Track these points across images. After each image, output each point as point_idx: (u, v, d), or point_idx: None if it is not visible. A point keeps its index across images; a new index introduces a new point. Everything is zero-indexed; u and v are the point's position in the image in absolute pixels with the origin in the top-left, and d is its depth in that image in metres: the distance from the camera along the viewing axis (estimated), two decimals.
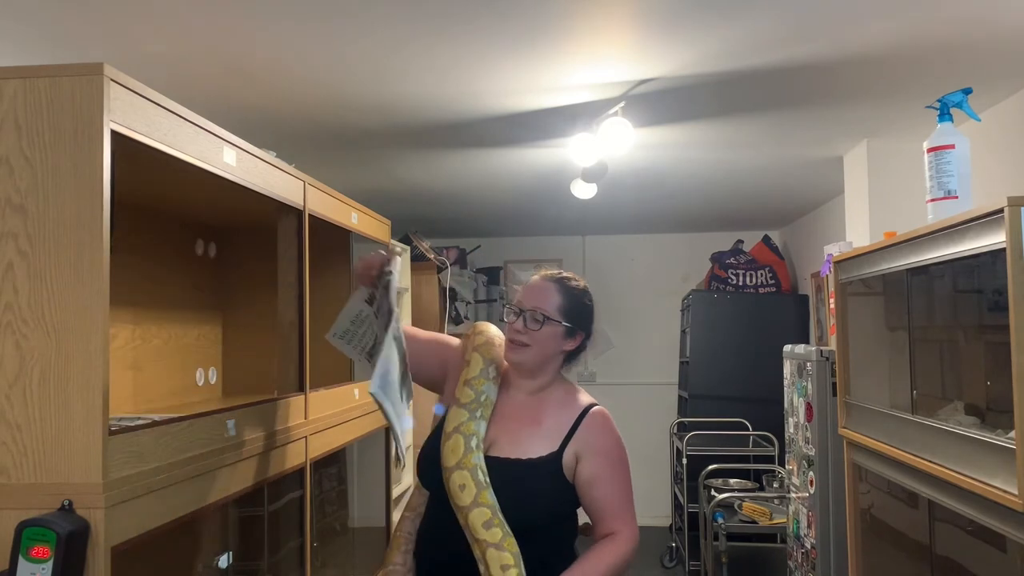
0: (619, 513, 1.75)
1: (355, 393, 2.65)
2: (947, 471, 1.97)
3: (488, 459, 1.74)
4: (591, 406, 1.81)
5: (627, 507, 1.77)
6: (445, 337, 2.00)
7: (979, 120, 2.31)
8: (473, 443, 1.74)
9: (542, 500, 1.72)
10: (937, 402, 2.34)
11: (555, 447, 1.75)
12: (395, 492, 3.48)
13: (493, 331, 1.91)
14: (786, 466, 3.71)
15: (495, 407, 1.83)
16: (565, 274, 1.86)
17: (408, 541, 1.86)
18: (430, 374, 1.94)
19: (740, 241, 5.95)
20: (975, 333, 2.35)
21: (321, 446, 2.31)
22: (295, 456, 2.12)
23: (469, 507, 1.66)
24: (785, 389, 3.63)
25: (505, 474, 1.71)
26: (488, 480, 1.70)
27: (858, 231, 3.61)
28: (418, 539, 1.85)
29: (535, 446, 1.75)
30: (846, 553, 2.91)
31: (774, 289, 5.64)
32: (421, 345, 1.93)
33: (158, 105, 1.49)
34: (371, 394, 1.64)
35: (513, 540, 1.64)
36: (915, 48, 2.38)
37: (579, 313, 1.82)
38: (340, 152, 3.60)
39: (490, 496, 1.67)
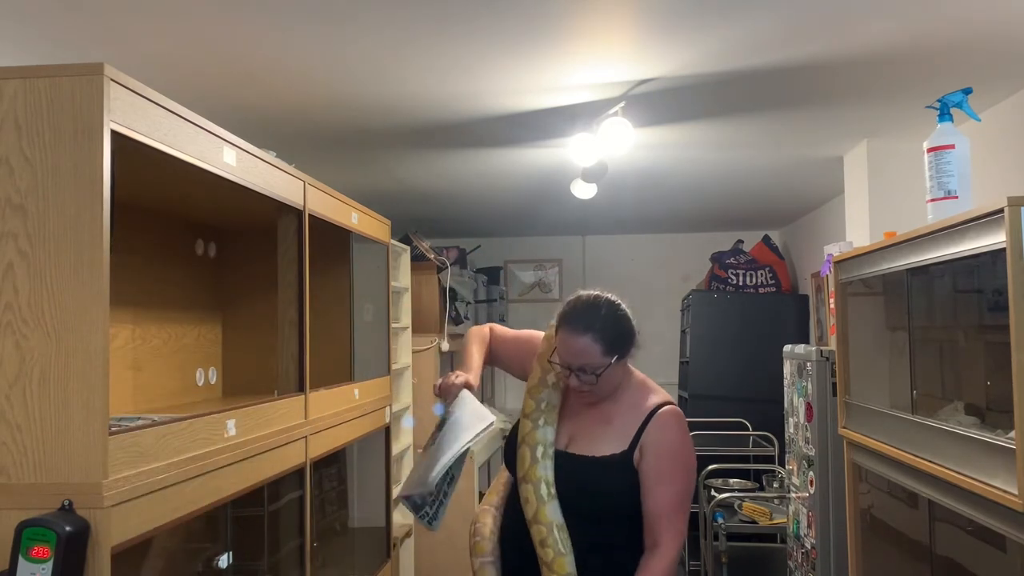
0: (665, 517, 1.76)
1: (355, 393, 2.65)
2: (947, 471, 1.97)
3: (567, 455, 1.82)
4: (660, 406, 1.82)
5: (675, 512, 1.76)
6: (531, 335, 2.03)
7: (979, 120, 2.31)
8: (539, 452, 1.81)
9: (616, 496, 1.78)
10: (937, 402, 2.34)
11: (625, 446, 1.78)
12: (395, 492, 3.48)
13: None
14: (786, 466, 3.71)
15: (570, 405, 1.88)
16: (592, 307, 1.80)
17: (495, 535, 1.92)
18: (520, 373, 2.01)
19: (740, 241, 5.95)
20: (975, 333, 2.35)
21: (321, 446, 2.31)
22: (295, 456, 2.12)
23: (530, 521, 1.76)
24: (785, 389, 3.63)
25: (581, 471, 1.79)
26: (552, 492, 1.77)
27: (858, 231, 3.61)
28: (503, 529, 1.92)
29: (606, 444, 1.80)
30: (846, 553, 2.91)
31: (774, 289, 5.64)
32: (509, 347, 2.02)
33: (158, 105, 1.49)
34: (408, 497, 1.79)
35: (564, 560, 1.72)
36: (915, 48, 2.38)
37: (621, 338, 1.81)
38: (340, 152, 3.60)
39: (548, 512, 1.75)
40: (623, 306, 1.85)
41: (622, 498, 1.77)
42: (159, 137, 1.49)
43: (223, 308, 2.74)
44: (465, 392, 1.88)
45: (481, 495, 1.95)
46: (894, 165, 3.45)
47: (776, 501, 4.29)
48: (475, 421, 1.81)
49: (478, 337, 2.07)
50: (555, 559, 1.72)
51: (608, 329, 1.78)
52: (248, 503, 2.06)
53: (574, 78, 2.62)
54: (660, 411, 1.81)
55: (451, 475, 1.86)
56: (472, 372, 1.98)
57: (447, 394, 1.87)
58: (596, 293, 1.85)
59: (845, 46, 2.36)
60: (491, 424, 1.82)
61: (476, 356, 2.03)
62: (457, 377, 1.88)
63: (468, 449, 1.81)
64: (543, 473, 1.79)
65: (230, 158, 1.76)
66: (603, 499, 1.78)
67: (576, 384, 1.79)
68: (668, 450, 1.78)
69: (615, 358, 1.78)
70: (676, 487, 1.77)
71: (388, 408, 3.08)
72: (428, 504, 1.85)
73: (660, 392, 1.89)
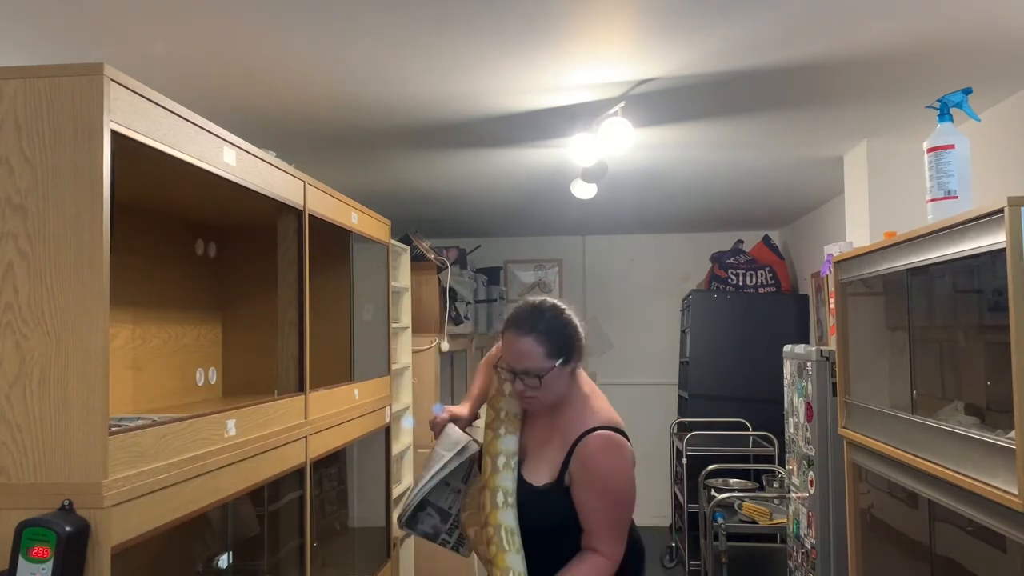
0: (600, 535, 1.78)
1: (355, 393, 2.65)
2: (947, 471, 1.97)
3: (520, 474, 1.85)
4: (589, 432, 1.79)
5: (609, 532, 1.78)
6: None
7: (979, 120, 2.31)
8: (500, 463, 1.83)
9: (554, 519, 1.81)
10: (937, 402, 2.34)
11: (555, 476, 1.80)
12: (395, 492, 3.48)
13: None
14: (786, 466, 3.71)
15: (526, 415, 1.91)
16: (536, 310, 1.82)
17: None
18: None
19: (740, 241, 5.95)
20: (975, 333, 2.35)
21: (321, 446, 2.31)
22: (295, 456, 2.12)
23: (483, 526, 1.80)
24: (785, 389, 3.63)
25: (524, 493, 1.83)
26: (509, 501, 1.79)
27: (858, 231, 3.61)
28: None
29: (543, 471, 1.83)
30: (846, 553, 2.91)
31: (774, 289, 5.64)
32: None
33: (158, 105, 1.49)
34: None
35: (506, 555, 1.74)
36: (915, 48, 2.38)
37: (565, 343, 1.80)
38: (340, 152, 3.60)
39: (500, 516, 1.77)
40: (568, 312, 1.84)
41: (557, 518, 1.80)
42: (159, 137, 1.49)
43: (223, 308, 2.74)
44: (449, 426, 2.00)
45: None
46: (894, 165, 3.45)
47: (776, 501, 4.29)
48: (449, 449, 1.96)
49: (485, 362, 2.16)
50: (497, 554, 1.74)
51: (552, 332, 1.78)
52: (248, 503, 2.06)
53: (574, 78, 2.62)
54: (584, 439, 1.77)
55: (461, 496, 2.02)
56: (467, 402, 2.12)
57: (435, 432, 2.02)
58: (542, 298, 1.86)
59: (845, 46, 2.36)
60: (463, 447, 1.95)
61: (477, 384, 2.15)
62: (443, 413, 2.03)
63: (463, 471, 2.00)
64: (502, 483, 1.80)
65: (230, 158, 1.76)
66: (543, 519, 1.82)
67: (521, 389, 1.79)
68: (587, 482, 1.77)
69: (559, 362, 1.77)
70: (605, 512, 1.78)
71: (388, 408, 3.08)
72: (444, 532, 2.01)
73: (600, 411, 1.85)
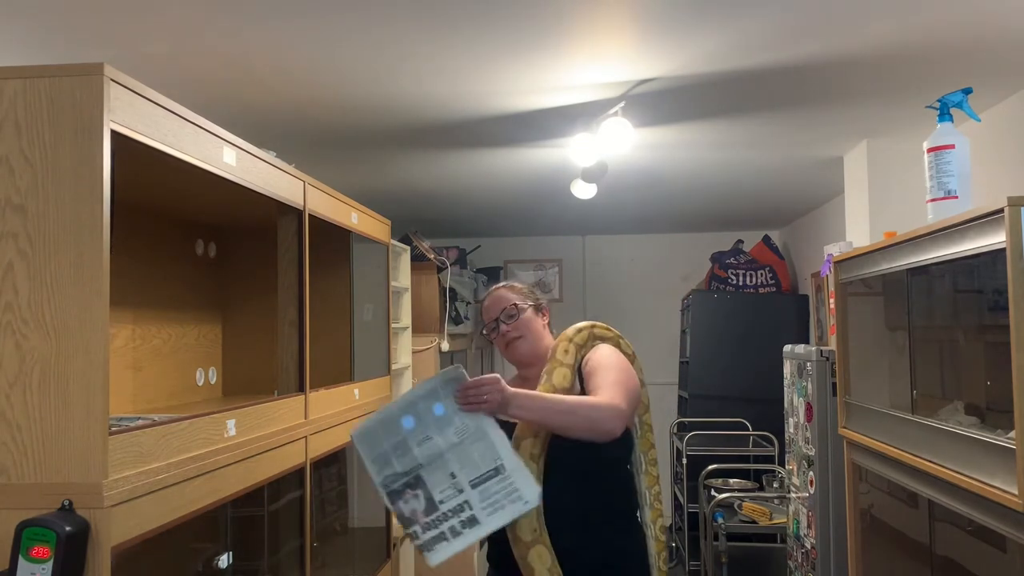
0: (602, 388, 1.84)
1: (355, 393, 2.65)
2: (947, 471, 1.97)
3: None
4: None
5: (610, 387, 1.84)
6: None
7: (979, 120, 2.31)
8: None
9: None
10: (937, 402, 2.34)
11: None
12: None
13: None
14: (786, 466, 3.71)
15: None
16: (493, 286, 2.12)
17: None
18: None
19: (740, 241, 5.95)
20: (975, 333, 2.35)
21: (321, 446, 2.31)
22: (295, 456, 2.12)
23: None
24: (785, 389, 3.63)
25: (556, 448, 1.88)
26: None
27: (858, 231, 3.61)
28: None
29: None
30: (846, 553, 2.91)
31: (774, 289, 5.64)
32: None
33: (158, 105, 1.49)
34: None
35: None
36: (915, 48, 2.38)
37: (527, 292, 2.08)
38: (340, 152, 3.60)
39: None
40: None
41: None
42: (159, 137, 1.49)
43: (223, 308, 2.73)
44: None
45: None
46: (894, 165, 3.45)
47: (776, 501, 4.29)
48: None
49: None
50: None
51: (512, 287, 2.09)
52: (248, 503, 2.06)
53: (574, 78, 2.62)
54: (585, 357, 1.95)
55: (471, 514, 1.69)
56: None
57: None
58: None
59: (845, 46, 2.36)
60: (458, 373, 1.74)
61: None
62: None
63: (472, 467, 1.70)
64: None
65: (230, 158, 1.76)
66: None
67: (505, 330, 1.99)
68: (592, 366, 1.90)
69: (529, 304, 2.03)
70: (608, 374, 1.87)
71: None
72: (419, 525, 1.71)
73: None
